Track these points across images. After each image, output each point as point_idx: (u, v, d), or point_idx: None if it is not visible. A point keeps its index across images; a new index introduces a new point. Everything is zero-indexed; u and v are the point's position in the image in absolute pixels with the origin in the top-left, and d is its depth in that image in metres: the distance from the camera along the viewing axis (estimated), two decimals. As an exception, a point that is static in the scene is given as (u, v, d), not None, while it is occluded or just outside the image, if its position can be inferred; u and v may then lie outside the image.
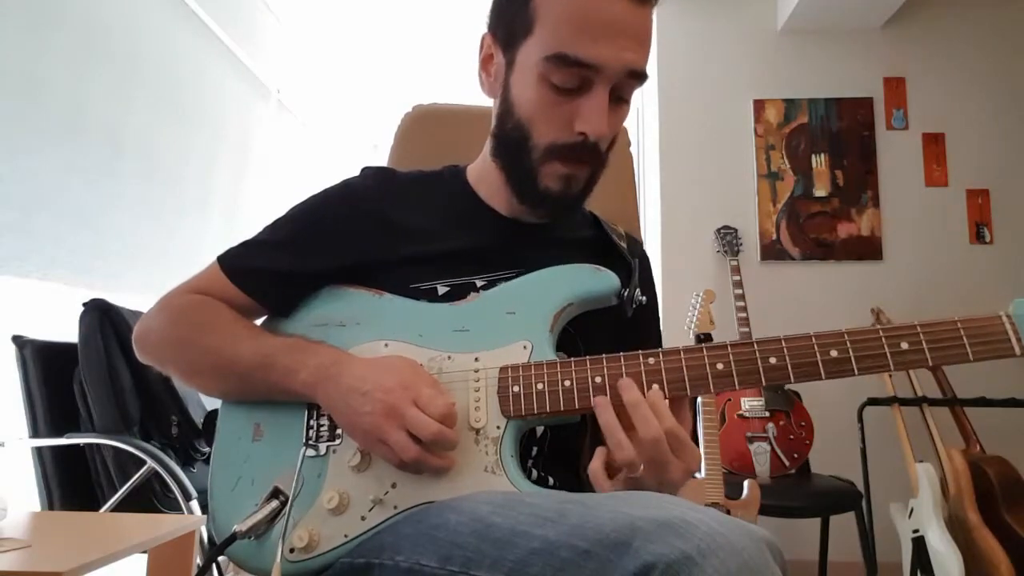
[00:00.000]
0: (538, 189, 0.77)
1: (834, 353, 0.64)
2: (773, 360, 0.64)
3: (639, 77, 0.73)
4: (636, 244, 0.97)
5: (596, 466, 0.65)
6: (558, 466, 0.79)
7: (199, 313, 0.79)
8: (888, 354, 0.63)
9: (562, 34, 0.70)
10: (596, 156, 0.76)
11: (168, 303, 0.81)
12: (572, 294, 0.73)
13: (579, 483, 0.84)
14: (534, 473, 0.77)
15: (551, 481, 0.78)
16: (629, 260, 0.87)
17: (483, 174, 0.85)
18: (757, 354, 0.65)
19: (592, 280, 0.74)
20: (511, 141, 0.77)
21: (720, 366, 0.65)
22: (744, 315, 2.34)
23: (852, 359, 0.63)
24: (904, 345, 0.63)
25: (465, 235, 0.82)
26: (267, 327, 0.82)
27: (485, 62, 0.80)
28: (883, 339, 0.63)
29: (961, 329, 0.63)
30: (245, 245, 0.83)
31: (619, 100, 0.74)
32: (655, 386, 0.65)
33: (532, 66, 0.72)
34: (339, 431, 0.72)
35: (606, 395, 0.66)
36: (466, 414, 0.69)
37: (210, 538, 0.75)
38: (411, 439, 0.64)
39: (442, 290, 0.78)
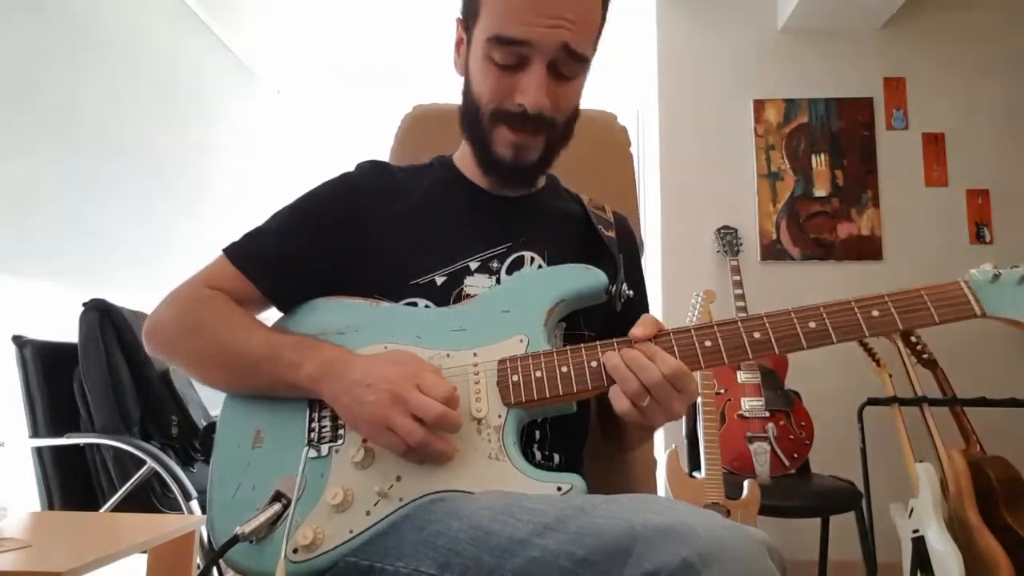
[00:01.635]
0: (493, 156, 0.82)
1: (812, 324, 0.69)
2: (757, 335, 0.69)
3: (577, 57, 0.77)
4: (623, 221, 0.99)
5: (615, 394, 0.69)
6: (563, 445, 0.81)
7: (208, 306, 0.80)
8: (861, 321, 0.68)
9: (498, 16, 0.76)
10: (545, 125, 0.80)
11: (178, 296, 0.82)
12: (563, 291, 0.76)
13: (582, 463, 0.87)
14: (538, 455, 0.78)
15: (556, 459, 0.80)
16: (615, 255, 0.89)
17: (464, 155, 0.90)
18: (742, 330, 0.70)
19: (581, 278, 0.77)
20: (469, 111, 0.84)
21: (708, 343, 0.70)
22: (744, 315, 2.34)
23: (829, 328, 0.68)
24: (875, 312, 0.68)
25: (455, 217, 0.86)
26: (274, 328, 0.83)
27: (457, 45, 0.86)
28: (856, 309, 0.69)
29: (925, 296, 0.68)
30: (248, 235, 0.86)
31: (561, 76, 0.78)
32: (645, 344, 0.69)
33: (480, 46, 0.79)
34: (341, 431, 0.72)
35: (603, 379, 0.70)
36: (467, 405, 0.70)
37: (210, 540, 0.74)
38: (416, 423, 0.65)
39: (440, 280, 0.81)
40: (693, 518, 0.49)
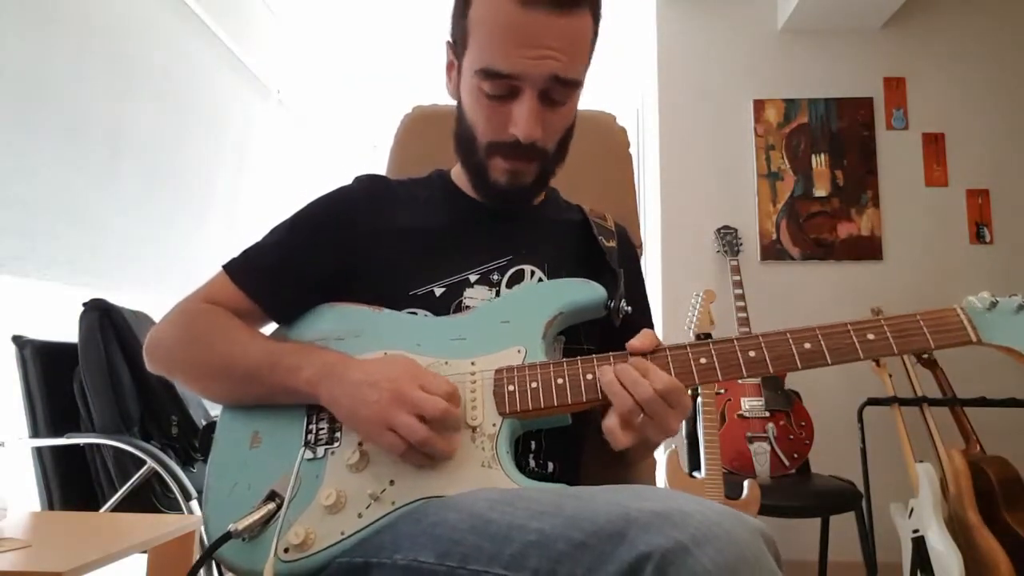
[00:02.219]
0: (489, 182, 0.84)
1: (807, 346, 0.69)
2: (752, 354, 0.70)
3: (567, 83, 0.77)
4: (623, 231, 1.00)
5: (611, 423, 0.69)
6: (559, 454, 0.81)
7: (206, 318, 0.81)
8: (857, 344, 0.69)
9: (487, 49, 0.76)
10: (538, 153, 0.81)
11: (179, 312, 0.83)
12: (562, 304, 0.77)
13: (578, 472, 0.87)
14: (532, 463, 0.79)
15: (551, 467, 0.80)
16: (615, 269, 0.90)
17: (461, 170, 0.91)
18: (737, 349, 0.70)
19: (581, 292, 0.78)
20: (464, 140, 0.84)
21: (703, 360, 0.70)
22: (744, 315, 2.34)
23: (824, 350, 0.69)
24: (871, 336, 0.69)
25: (455, 231, 0.87)
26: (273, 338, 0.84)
27: (448, 68, 0.87)
28: (851, 332, 0.69)
29: (921, 321, 0.69)
30: (248, 251, 0.87)
31: (554, 103, 0.79)
32: (637, 359, 0.70)
33: (469, 76, 0.79)
34: (337, 434, 0.72)
35: (598, 392, 0.70)
36: (463, 413, 0.70)
37: (206, 538, 0.74)
38: (419, 421, 0.65)
39: (439, 291, 0.81)
40: (688, 504, 0.50)
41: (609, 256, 0.91)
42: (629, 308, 0.87)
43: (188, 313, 0.82)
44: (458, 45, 0.82)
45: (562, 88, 0.78)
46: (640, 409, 0.66)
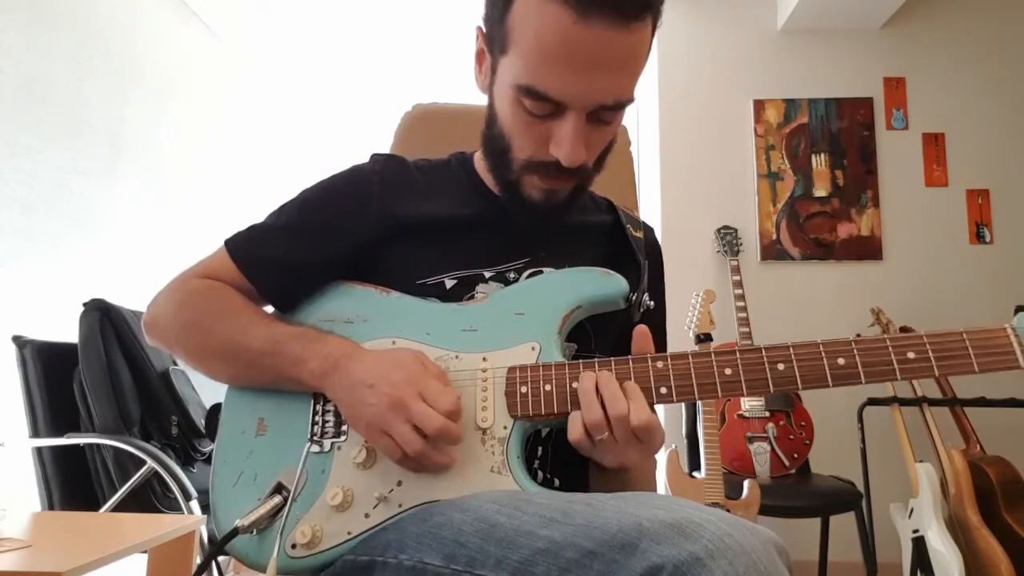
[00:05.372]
0: (521, 197, 0.77)
1: (841, 361, 0.64)
2: (781, 367, 0.65)
3: (618, 106, 0.70)
4: (651, 231, 0.96)
5: (577, 435, 0.66)
6: (564, 467, 0.79)
7: (209, 297, 0.78)
8: (895, 363, 0.63)
9: (532, 65, 0.67)
10: (578, 173, 0.74)
11: (178, 287, 0.80)
12: (581, 297, 0.73)
13: (585, 485, 0.84)
14: (540, 475, 0.76)
15: (557, 483, 0.78)
16: (640, 261, 0.86)
17: (483, 159, 0.84)
18: (765, 360, 0.65)
19: (601, 284, 0.74)
20: (496, 148, 0.77)
21: (728, 371, 0.66)
22: (744, 315, 2.34)
23: (859, 367, 0.63)
24: (911, 355, 0.63)
25: (473, 224, 0.82)
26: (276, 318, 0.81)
27: (479, 56, 0.78)
28: (890, 348, 0.63)
29: (967, 340, 0.62)
30: (253, 230, 0.82)
31: (600, 122, 0.71)
32: (630, 382, 0.66)
33: (507, 86, 0.70)
34: (344, 427, 0.71)
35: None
36: (472, 413, 0.68)
37: (211, 537, 0.74)
38: (416, 433, 0.63)
39: (450, 283, 0.78)
40: (700, 515, 0.49)
41: (636, 244, 0.86)
42: (652, 303, 0.82)
43: (186, 291, 0.79)
44: (495, 44, 0.72)
45: (612, 111, 0.70)
46: (607, 426, 0.63)
